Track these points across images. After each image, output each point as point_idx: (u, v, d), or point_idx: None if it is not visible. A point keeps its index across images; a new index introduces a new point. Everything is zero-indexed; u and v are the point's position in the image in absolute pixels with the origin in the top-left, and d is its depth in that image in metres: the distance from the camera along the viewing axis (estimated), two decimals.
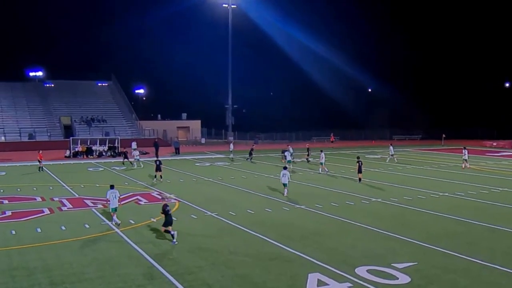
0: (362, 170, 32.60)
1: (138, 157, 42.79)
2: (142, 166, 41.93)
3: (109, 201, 20.39)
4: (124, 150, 45.43)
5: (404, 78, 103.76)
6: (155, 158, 38.52)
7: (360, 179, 32.25)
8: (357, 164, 32.68)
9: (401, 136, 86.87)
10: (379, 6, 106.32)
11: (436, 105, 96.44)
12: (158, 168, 33.05)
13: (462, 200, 25.97)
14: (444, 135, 71.19)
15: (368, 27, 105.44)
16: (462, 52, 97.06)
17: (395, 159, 46.28)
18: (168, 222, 17.96)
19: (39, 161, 39.49)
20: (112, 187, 20.72)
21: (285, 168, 28.21)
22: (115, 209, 20.36)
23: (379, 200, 25.90)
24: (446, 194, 27.71)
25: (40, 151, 40.54)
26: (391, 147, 47.99)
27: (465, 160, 40.31)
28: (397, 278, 13.84)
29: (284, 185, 27.03)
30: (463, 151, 40.94)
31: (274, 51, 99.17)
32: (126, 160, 43.76)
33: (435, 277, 13.96)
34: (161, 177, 33.27)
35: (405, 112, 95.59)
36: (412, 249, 16.74)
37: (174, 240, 17.46)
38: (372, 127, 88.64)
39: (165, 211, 18.05)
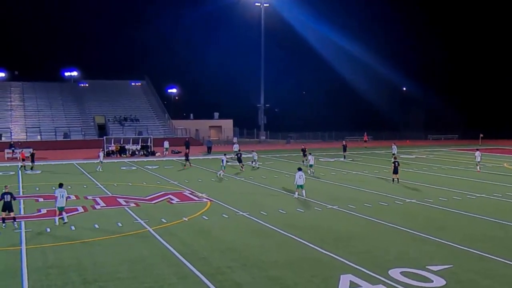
0: (399, 170, 31.98)
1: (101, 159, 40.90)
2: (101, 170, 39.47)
3: (56, 199, 20.74)
4: (33, 153, 41.74)
5: (440, 77, 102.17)
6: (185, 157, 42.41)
7: (394, 180, 31.75)
8: (393, 164, 32.11)
9: (437, 136, 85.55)
10: (414, 6, 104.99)
11: (473, 104, 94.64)
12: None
13: (500, 202, 25.37)
14: (481, 135, 69.74)
15: (403, 27, 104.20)
16: (499, 51, 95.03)
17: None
18: (5, 207, 19.91)
19: (22, 160, 40.43)
20: (60, 185, 21.32)
21: (299, 169, 27.02)
22: (61, 208, 20.64)
23: (413, 201, 25.51)
24: (483, 195, 27.13)
25: (23, 150, 41.61)
26: (394, 146, 47.79)
27: (478, 162, 38.04)
28: (432, 281, 13.59)
29: (301, 186, 26.32)
30: (476, 152, 38.71)
31: (307, 50, 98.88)
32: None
33: (471, 282, 13.65)
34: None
35: (441, 111, 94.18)
36: (447, 252, 16.40)
37: (15, 224, 19.93)
38: (407, 127, 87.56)
39: (2, 197, 19.96)
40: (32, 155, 41.34)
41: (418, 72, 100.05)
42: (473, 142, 69.51)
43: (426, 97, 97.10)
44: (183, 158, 44.28)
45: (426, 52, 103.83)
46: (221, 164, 35.65)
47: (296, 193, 26.62)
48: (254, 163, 41.20)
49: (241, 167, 38.97)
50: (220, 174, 35.42)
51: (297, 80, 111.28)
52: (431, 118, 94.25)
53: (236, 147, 49.58)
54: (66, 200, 21.14)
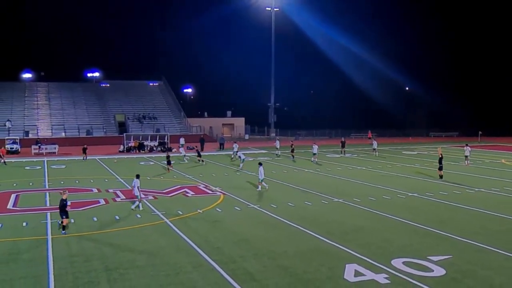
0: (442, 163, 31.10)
1: (184, 153, 44.09)
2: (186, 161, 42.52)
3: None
4: (85, 147, 44.57)
5: (442, 76, 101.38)
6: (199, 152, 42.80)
7: (440, 176, 30.95)
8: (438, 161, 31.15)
9: (438, 133, 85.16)
10: (417, 5, 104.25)
11: (474, 102, 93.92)
12: (199, 154, 41.38)
13: (498, 196, 25.21)
14: (480, 132, 69.23)
15: (406, 27, 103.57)
16: (500, 51, 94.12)
17: (377, 153, 47.55)
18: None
19: (1, 156, 40.60)
20: (137, 176, 22.35)
21: (260, 164, 27.35)
22: (138, 197, 21.99)
23: (415, 195, 25.42)
24: (482, 190, 26.97)
25: (2, 147, 42.60)
26: (374, 142, 49.06)
27: (466, 156, 38.89)
28: (432, 271, 13.57)
29: (262, 180, 26.74)
30: (465, 147, 39.71)
31: (315, 51, 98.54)
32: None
33: (470, 272, 13.60)
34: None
35: (442, 109, 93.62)
36: (447, 243, 16.34)
37: None
38: (410, 125, 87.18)
39: None
40: (84, 149, 44.31)
41: (420, 71, 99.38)
42: (472, 139, 68.98)
43: (428, 96, 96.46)
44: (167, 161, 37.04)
45: (429, 52, 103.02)
46: (239, 157, 37.56)
47: (259, 186, 26.88)
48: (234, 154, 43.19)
49: (198, 160, 41.15)
50: (240, 166, 36.80)
51: (305, 80, 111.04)
52: (433, 116, 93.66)
53: (277, 144, 49.28)
54: (138, 189, 21.93)
